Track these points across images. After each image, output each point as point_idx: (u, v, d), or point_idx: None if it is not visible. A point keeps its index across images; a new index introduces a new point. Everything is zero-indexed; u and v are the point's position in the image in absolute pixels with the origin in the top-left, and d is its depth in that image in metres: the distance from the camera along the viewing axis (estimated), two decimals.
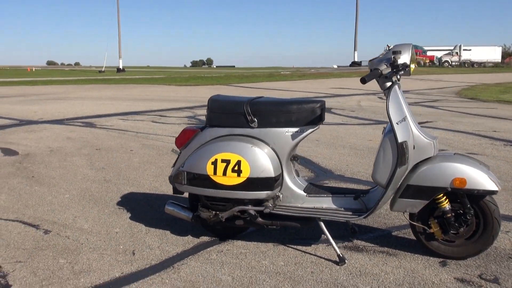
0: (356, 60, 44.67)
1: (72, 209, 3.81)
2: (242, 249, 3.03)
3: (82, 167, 5.27)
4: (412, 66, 2.80)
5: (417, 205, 2.78)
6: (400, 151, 2.66)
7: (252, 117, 2.94)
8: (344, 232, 3.31)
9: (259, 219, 2.96)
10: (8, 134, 7.56)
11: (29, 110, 11.10)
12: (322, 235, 3.22)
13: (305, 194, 2.98)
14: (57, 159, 5.65)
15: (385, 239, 3.18)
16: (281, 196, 2.98)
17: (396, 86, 2.76)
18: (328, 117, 9.60)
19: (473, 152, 5.94)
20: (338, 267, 2.78)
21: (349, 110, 10.77)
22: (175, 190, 3.12)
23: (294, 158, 3.04)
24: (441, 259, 2.86)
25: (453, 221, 2.78)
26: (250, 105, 2.95)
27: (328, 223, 3.22)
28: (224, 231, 3.22)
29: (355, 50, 45.12)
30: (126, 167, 5.23)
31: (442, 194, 2.77)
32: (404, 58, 2.72)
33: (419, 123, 3.09)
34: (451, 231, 2.80)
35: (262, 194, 2.87)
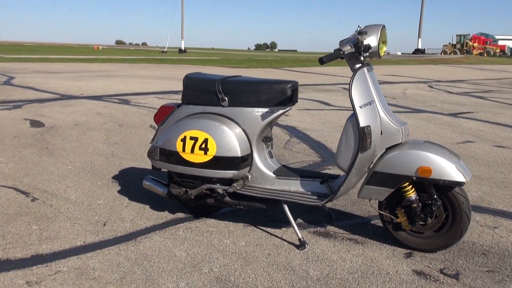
0: (419, 47, 43.37)
1: (67, 180, 3.93)
2: (210, 228, 3.03)
3: (97, 141, 5.42)
4: (384, 48, 2.69)
5: (383, 193, 2.69)
6: (362, 135, 2.57)
7: (223, 96, 2.92)
8: (320, 217, 3.24)
9: (227, 198, 2.95)
10: (44, 107, 7.87)
11: (75, 85, 11.50)
12: (298, 219, 3.17)
13: (274, 176, 2.95)
14: (77, 133, 5.84)
15: (360, 227, 3.09)
16: (249, 176, 2.95)
17: (365, 69, 2.66)
18: None
19: (501, 145, 5.64)
20: (298, 251, 2.74)
21: (390, 98, 10.47)
22: (152, 166, 3.16)
23: (267, 139, 3.00)
24: (408, 251, 2.77)
25: (419, 211, 2.67)
26: (222, 84, 2.93)
27: (306, 208, 3.19)
28: (198, 209, 3.23)
29: (419, 37, 43.72)
30: (138, 143, 5.34)
31: (407, 183, 2.66)
32: (371, 39, 2.61)
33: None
34: (418, 222, 2.70)
35: (228, 173, 2.86)
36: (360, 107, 2.58)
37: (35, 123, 6.41)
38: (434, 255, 2.71)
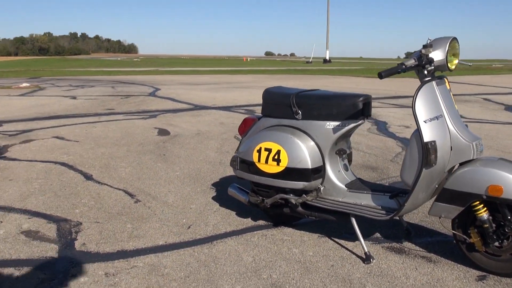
0: None
1: (171, 185, 4.30)
2: (285, 236, 3.14)
3: (210, 149, 5.79)
4: (455, 61, 2.60)
5: (452, 211, 2.59)
6: (425, 151, 2.50)
7: (297, 109, 3.03)
8: (399, 232, 3.18)
9: (300, 208, 3.04)
10: (176, 117, 8.56)
11: (210, 96, 12.28)
12: (376, 233, 3.16)
13: (346, 188, 2.97)
14: (195, 141, 6.29)
15: (439, 245, 2.98)
16: (322, 188, 3.01)
17: (434, 82, 2.59)
18: (488, 114, 8.79)
19: None
20: (363, 265, 2.73)
21: None
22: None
23: (341, 152, 3.03)
24: (483, 274, 2.61)
25: (491, 232, 2.52)
26: (296, 98, 3.04)
27: (387, 223, 3.17)
28: (278, 218, 3.35)
29: None
30: None
31: (478, 202, 2.53)
32: (438, 52, 2.53)
33: None
34: (492, 244, 2.55)
35: (299, 184, 2.95)
36: (424, 121, 2.52)
37: (162, 132, 7.01)
38: (508, 281, 2.52)
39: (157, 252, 2.89)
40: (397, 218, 2.84)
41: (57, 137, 6.53)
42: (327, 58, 51.52)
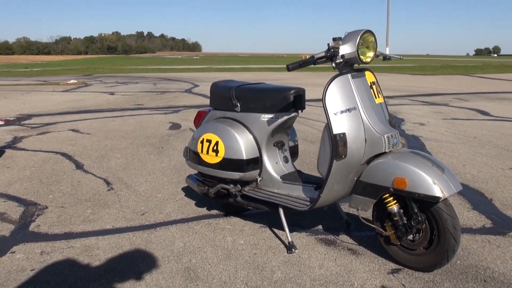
0: None
1: (151, 176, 4.49)
2: (228, 225, 3.25)
3: None
4: (369, 53, 2.62)
5: (367, 203, 2.62)
6: (334, 143, 2.55)
7: (236, 102, 3.13)
8: (341, 225, 3.23)
9: (239, 198, 3.14)
10: (195, 112, 8.77)
11: None
12: (319, 225, 3.21)
13: (281, 180, 3.04)
14: None
15: (373, 240, 3.00)
16: (259, 179, 3.10)
17: (349, 75, 2.62)
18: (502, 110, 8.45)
19: None
20: (285, 254, 2.81)
21: None
22: None
23: (279, 144, 3.11)
24: (398, 267, 2.63)
25: (401, 225, 2.54)
26: (236, 91, 3.14)
27: (330, 214, 3.23)
28: (228, 208, 3.46)
29: None
30: None
31: (388, 194, 2.56)
32: (349, 45, 2.57)
33: None
34: (404, 237, 2.57)
35: (235, 174, 3.05)
36: (335, 113, 2.56)
37: (174, 126, 7.24)
38: (422, 275, 2.53)
39: (99, 235, 3.07)
40: (325, 209, 2.88)
41: (72, 130, 6.90)
42: (387, 55, 50.35)
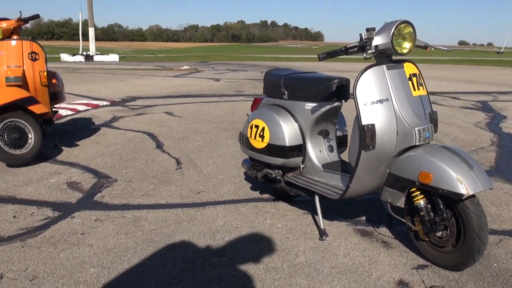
0: None
1: (221, 159, 4.70)
2: (273, 209, 3.34)
3: None
4: (405, 44, 2.57)
5: (396, 196, 2.59)
6: (362, 133, 2.54)
7: (284, 90, 3.21)
8: (385, 217, 3.20)
9: (283, 184, 3.23)
10: None
11: None
12: (364, 216, 3.21)
13: (322, 168, 3.08)
14: None
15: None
16: (302, 167, 3.17)
17: (384, 66, 2.59)
18: None
19: None
20: (316, 241, 2.85)
21: None
22: None
23: (324, 132, 3.14)
24: (426, 263, 2.58)
25: (427, 221, 2.49)
26: (284, 79, 3.22)
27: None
28: (280, 193, 3.56)
29: None
30: None
31: (415, 189, 2.51)
32: (383, 36, 2.53)
33: None
34: (433, 234, 2.52)
35: (278, 160, 3.14)
36: (365, 104, 2.54)
37: None
38: (447, 273, 2.44)
39: (150, 209, 3.32)
40: (354, 198, 2.86)
41: (166, 113, 7.34)
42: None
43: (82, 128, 6.07)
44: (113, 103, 8.27)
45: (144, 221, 3.08)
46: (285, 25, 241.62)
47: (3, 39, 4.40)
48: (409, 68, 2.63)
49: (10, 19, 4.44)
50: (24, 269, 2.43)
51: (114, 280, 2.35)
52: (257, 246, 2.74)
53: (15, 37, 4.46)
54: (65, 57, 26.39)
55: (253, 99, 3.70)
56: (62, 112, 7.06)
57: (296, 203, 3.41)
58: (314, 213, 3.22)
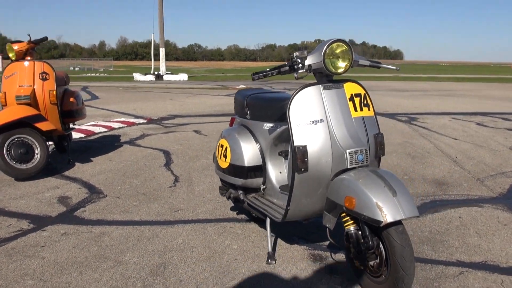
0: None
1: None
2: (240, 231, 3.30)
3: None
4: (340, 63, 2.50)
5: (331, 220, 2.52)
6: (294, 155, 2.49)
7: (247, 110, 3.21)
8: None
9: (245, 205, 3.21)
10: None
11: (395, 103, 12.03)
12: (327, 242, 3.13)
13: (279, 190, 3.04)
14: None
15: None
16: (262, 188, 3.13)
17: (321, 86, 2.54)
18: None
19: None
20: (263, 264, 2.82)
21: None
22: None
23: (283, 153, 3.10)
24: None
25: (355, 248, 2.40)
26: (248, 99, 3.22)
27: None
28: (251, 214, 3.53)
29: None
30: None
31: (345, 214, 2.42)
32: (315, 55, 2.49)
33: None
34: (366, 262, 2.42)
35: (238, 181, 3.13)
36: (297, 125, 2.50)
37: None
38: None
39: (119, 225, 3.39)
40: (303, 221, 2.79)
41: (195, 131, 7.49)
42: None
43: (106, 144, 6.31)
44: (150, 121, 8.54)
45: (107, 237, 3.15)
46: (363, 43, 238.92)
47: (17, 60, 4.68)
48: (351, 88, 2.56)
49: (22, 42, 4.73)
50: None
51: None
52: (199, 266, 2.74)
53: (28, 58, 4.73)
54: (137, 76, 27.54)
55: None
56: (96, 129, 7.38)
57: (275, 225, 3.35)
58: (281, 235, 3.16)
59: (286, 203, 2.71)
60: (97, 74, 36.47)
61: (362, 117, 2.54)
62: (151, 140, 6.65)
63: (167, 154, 5.75)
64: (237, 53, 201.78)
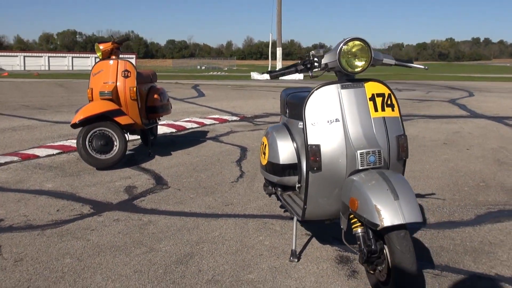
0: None
1: None
2: (278, 227, 3.35)
3: None
4: (357, 62, 2.45)
5: (344, 221, 2.51)
6: (308, 154, 2.50)
7: (286, 108, 3.25)
8: None
9: (282, 202, 3.26)
10: (429, 123, 8.46)
11: (502, 105, 11.21)
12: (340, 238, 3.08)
13: None
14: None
15: None
16: (297, 186, 3.15)
17: (338, 86, 2.50)
18: None
19: None
20: (286, 261, 2.85)
21: None
22: None
23: None
24: None
25: (361, 249, 2.36)
26: (287, 97, 3.26)
27: None
28: None
29: None
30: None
31: (353, 215, 2.38)
32: (331, 54, 2.46)
33: None
34: (375, 266, 2.37)
35: (274, 178, 3.17)
36: (312, 124, 2.49)
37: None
38: None
39: (171, 215, 3.58)
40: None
41: None
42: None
43: (190, 140, 6.63)
44: (242, 119, 8.77)
45: (152, 225, 3.35)
46: (501, 42, 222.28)
47: (104, 59, 5.11)
48: (373, 88, 2.50)
49: (107, 42, 5.15)
50: (20, 252, 2.88)
51: (81, 270, 2.66)
52: (224, 259, 2.82)
53: (113, 57, 5.14)
54: (254, 75, 28.37)
55: None
56: (188, 125, 7.75)
57: (309, 223, 3.35)
58: (316, 234, 3.17)
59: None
60: (219, 72, 38.00)
61: (383, 117, 2.46)
62: (234, 137, 6.85)
63: (243, 150, 5.90)
64: None
